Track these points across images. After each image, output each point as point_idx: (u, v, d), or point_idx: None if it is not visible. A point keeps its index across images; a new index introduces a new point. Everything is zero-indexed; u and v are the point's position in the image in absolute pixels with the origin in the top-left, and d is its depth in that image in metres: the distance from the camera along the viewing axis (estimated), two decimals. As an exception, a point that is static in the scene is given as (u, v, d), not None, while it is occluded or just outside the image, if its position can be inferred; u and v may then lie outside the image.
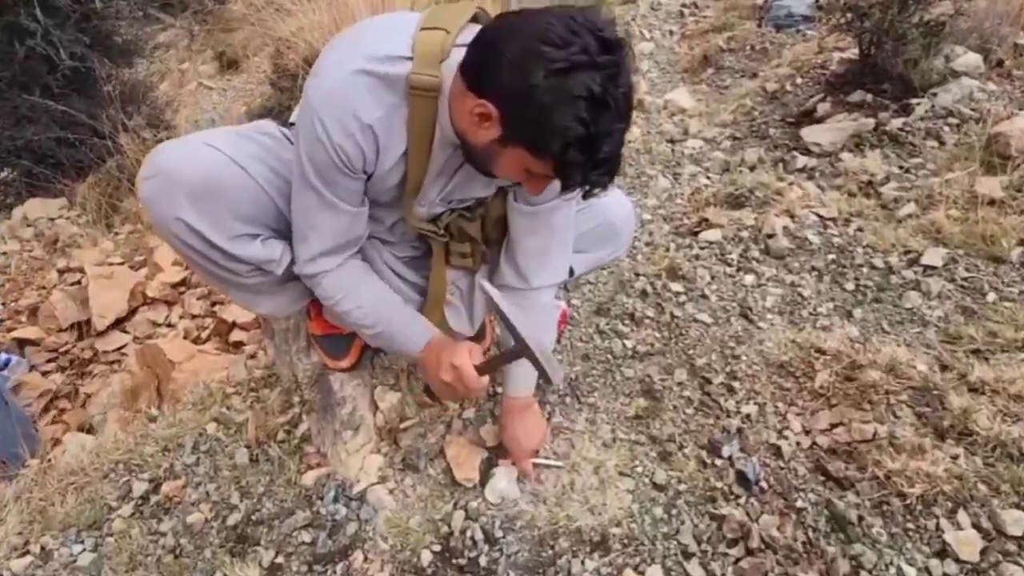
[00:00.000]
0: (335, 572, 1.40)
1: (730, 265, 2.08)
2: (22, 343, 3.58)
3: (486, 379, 1.33)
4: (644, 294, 1.99)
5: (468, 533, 1.42)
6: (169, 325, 3.49)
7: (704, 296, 1.97)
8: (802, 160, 2.63)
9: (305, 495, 1.54)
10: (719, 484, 1.46)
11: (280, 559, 1.44)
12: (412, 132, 1.13)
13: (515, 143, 1.01)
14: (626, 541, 1.39)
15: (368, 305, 1.32)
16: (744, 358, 1.74)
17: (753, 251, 2.12)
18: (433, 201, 1.27)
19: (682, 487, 1.47)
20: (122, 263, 3.99)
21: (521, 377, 1.49)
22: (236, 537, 1.49)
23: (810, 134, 2.76)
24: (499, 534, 1.42)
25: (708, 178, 2.69)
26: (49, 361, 3.51)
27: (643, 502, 1.45)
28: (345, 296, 1.31)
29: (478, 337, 1.72)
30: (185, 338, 3.27)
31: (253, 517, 1.52)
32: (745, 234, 2.18)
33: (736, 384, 1.67)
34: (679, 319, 1.89)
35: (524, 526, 1.43)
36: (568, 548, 1.38)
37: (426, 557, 1.40)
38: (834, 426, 1.52)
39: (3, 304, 4.10)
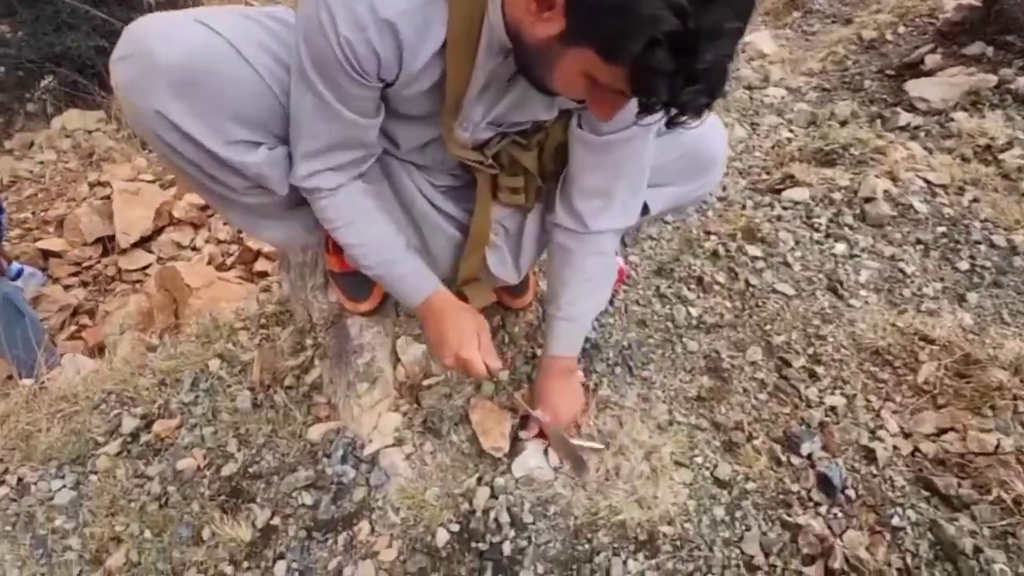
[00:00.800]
0: (336, 542, 1.22)
1: (818, 230, 1.79)
2: (47, 254, 3.48)
3: (498, 363, 1.19)
4: (715, 256, 1.71)
5: (492, 514, 1.21)
6: (194, 248, 3.34)
7: (786, 264, 1.69)
8: (906, 117, 2.28)
9: (310, 451, 1.35)
10: (795, 487, 1.22)
11: (276, 520, 1.26)
12: (452, 32, 0.86)
13: (582, 41, 0.74)
14: (678, 543, 1.17)
15: (370, 244, 1.13)
16: (831, 339, 1.47)
17: (846, 216, 1.82)
18: (478, 124, 1.00)
19: (750, 486, 1.24)
20: (153, 181, 3.84)
21: (565, 333, 1.25)
22: (229, 490, 1.32)
23: (916, 88, 2.40)
24: (528, 519, 1.21)
25: (791, 131, 2.37)
26: (72, 275, 3.41)
27: (701, 499, 1.22)
28: (345, 226, 1.10)
29: (520, 289, 1.48)
30: (209, 263, 3.12)
31: (250, 470, 1.34)
32: (838, 196, 1.88)
33: (820, 369, 1.41)
34: (755, 288, 1.61)
35: (558, 513, 1.22)
36: (608, 544, 1.17)
37: (442, 536, 1.20)
38: (942, 431, 1.26)
39: (33, 213, 4.02)
